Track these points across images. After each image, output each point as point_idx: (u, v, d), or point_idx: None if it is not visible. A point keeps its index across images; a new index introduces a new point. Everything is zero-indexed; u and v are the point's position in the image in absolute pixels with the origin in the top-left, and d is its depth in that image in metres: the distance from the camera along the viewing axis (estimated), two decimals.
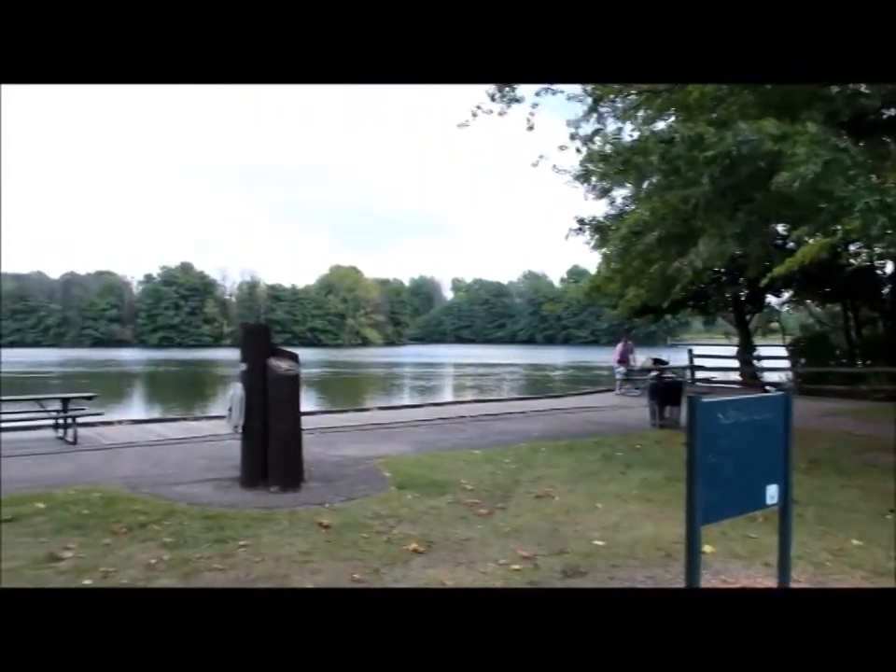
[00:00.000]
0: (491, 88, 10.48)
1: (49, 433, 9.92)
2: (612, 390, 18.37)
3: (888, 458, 8.29)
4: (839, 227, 7.83)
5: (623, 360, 18.17)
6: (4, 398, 10.61)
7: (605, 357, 33.36)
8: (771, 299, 21.17)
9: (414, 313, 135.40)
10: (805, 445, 8.54)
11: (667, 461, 8.16)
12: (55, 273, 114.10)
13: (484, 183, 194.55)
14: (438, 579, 4.34)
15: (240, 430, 7.07)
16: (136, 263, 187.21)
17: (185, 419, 12.92)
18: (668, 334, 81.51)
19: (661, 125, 11.37)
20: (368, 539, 5.18)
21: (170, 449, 9.09)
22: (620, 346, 18.55)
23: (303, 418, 7.58)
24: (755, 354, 20.74)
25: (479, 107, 10.71)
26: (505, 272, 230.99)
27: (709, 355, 21.07)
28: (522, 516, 5.87)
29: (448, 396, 28.01)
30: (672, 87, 9.57)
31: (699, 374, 19.77)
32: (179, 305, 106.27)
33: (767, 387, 18.25)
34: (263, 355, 7.09)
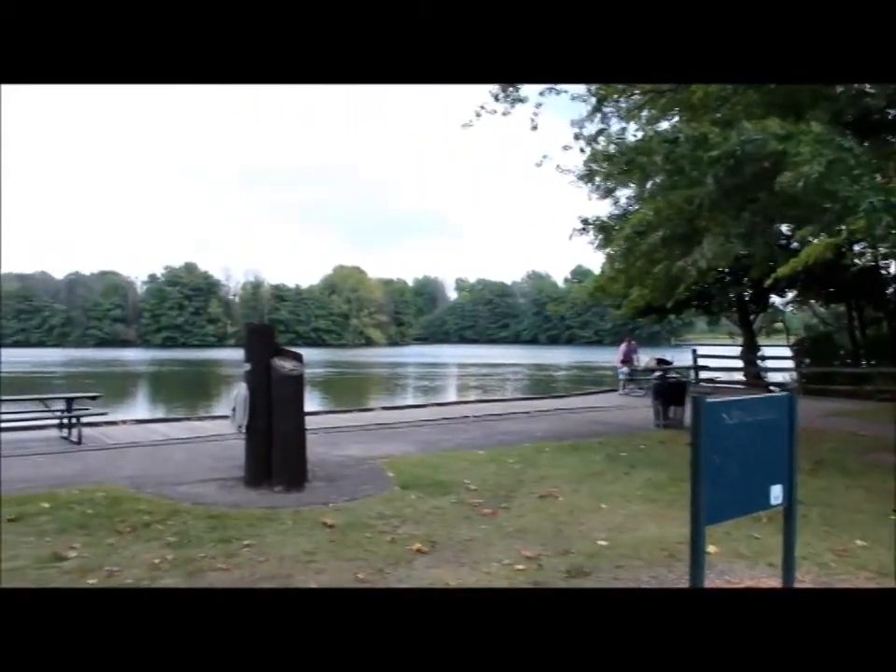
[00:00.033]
0: (495, 88, 10.49)
1: (54, 433, 9.96)
2: (616, 390, 18.37)
3: (892, 459, 8.26)
4: (843, 227, 7.81)
5: (627, 360, 18.18)
6: (8, 398, 10.67)
7: (608, 357, 33.31)
8: (775, 299, 21.11)
9: (418, 313, 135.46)
10: (809, 446, 8.53)
11: (671, 461, 8.16)
12: (59, 273, 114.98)
13: (488, 183, 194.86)
14: (441, 579, 4.34)
15: (244, 430, 7.09)
16: (140, 263, 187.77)
17: (189, 419, 12.95)
18: (672, 334, 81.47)
19: (665, 125, 11.39)
20: (371, 538, 5.18)
21: (174, 449, 9.12)
22: (623, 346, 18.57)
23: (307, 418, 7.59)
24: (759, 354, 20.66)
25: (483, 107, 10.74)
26: (508, 272, 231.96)
27: (713, 355, 21.00)
28: (526, 516, 5.87)
29: (452, 396, 28.01)
30: (676, 87, 9.55)
31: (703, 374, 19.73)
32: (183, 305, 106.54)
33: (771, 387, 18.21)
34: (267, 355, 7.11)
